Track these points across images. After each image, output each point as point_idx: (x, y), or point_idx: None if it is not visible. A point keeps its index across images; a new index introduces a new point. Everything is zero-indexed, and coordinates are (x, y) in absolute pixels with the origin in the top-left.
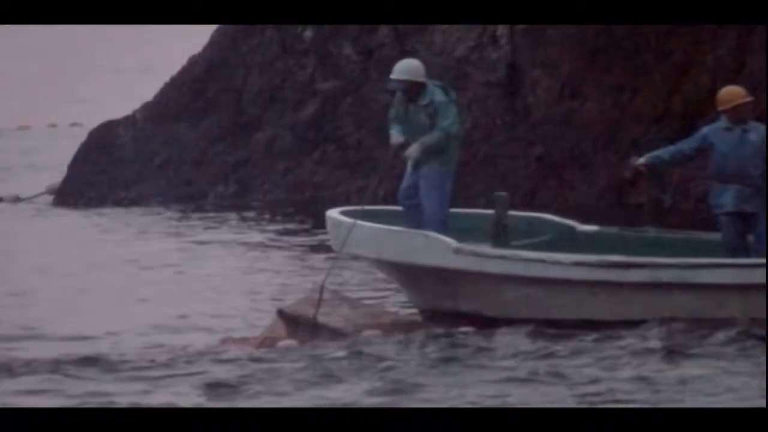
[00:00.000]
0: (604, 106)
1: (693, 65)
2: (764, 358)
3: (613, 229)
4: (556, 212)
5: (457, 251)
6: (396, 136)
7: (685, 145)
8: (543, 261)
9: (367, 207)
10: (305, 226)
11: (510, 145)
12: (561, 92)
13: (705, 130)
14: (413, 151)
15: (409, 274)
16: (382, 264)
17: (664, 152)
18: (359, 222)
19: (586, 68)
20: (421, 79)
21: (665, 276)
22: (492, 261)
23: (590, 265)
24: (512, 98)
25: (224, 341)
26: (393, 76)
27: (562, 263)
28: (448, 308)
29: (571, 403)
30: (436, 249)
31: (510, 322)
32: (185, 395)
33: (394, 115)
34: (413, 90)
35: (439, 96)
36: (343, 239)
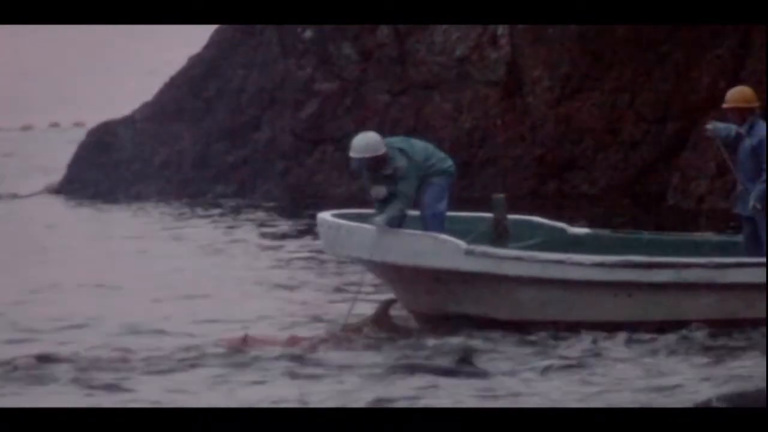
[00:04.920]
0: (604, 106)
1: (693, 65)
2: None
3: (605, 231)
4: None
5: (469, 252)
6: (377, 189)
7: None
8: (562, 262)
9: (357, 210)
10: (306, 226)
11: (510, 145)
12: (561, 92)
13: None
14: (379, 224)
15: (410, 277)
16: (380, 266)
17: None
18: (360, 225)
19: (586, 68)
20: (382, 150)
21: (690, 276)
22: (507, 262)
23: (612, 265)
24: (512, 98)
25: (244, 339)
26: (353, 155)
27: (582, 264)
28: (452, 311)
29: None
30: (446, 251)
31: (521, 324)
32: None
33: (368, 188)
34: (378, 163)
35: (400, 161)
36: (338, 241)
